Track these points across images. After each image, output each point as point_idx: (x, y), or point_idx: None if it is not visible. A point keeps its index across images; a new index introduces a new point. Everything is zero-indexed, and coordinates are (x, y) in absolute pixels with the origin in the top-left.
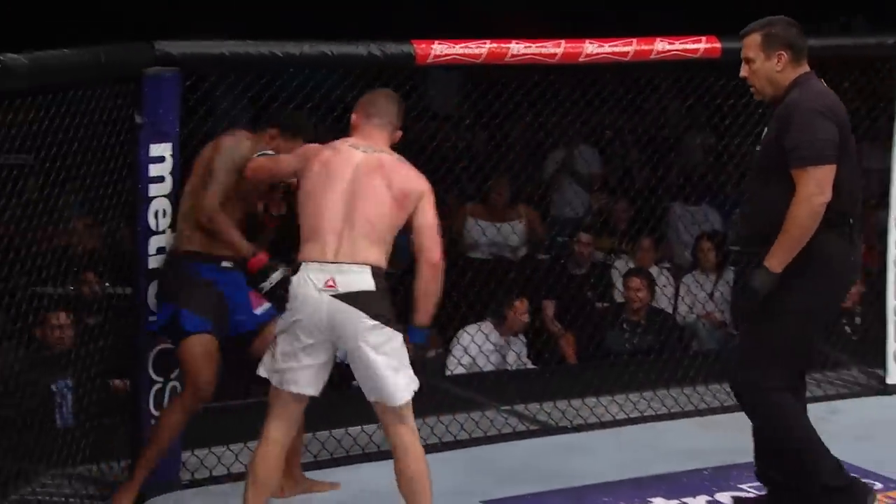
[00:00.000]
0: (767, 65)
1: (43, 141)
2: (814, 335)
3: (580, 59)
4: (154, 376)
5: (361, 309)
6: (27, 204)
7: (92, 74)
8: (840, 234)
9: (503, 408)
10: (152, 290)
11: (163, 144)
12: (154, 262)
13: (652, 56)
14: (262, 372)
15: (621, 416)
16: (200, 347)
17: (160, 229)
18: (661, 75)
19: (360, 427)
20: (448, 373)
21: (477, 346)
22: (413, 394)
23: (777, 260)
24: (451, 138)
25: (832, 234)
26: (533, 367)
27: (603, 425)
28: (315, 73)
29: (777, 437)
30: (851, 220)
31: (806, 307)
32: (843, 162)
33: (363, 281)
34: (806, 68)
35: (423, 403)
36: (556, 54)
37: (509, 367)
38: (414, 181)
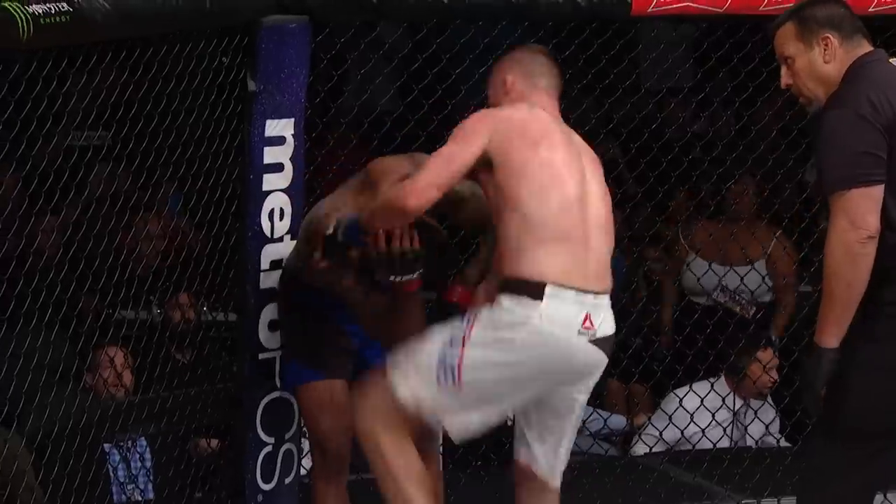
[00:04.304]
0: (810, 56)
1: (124, 114)
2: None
3: (870, 9)
4: (263, 436)
5: (607, 356)
6: (103, 198)
7: (192, 24)
8: None
9: (745, 501)
10: (266, 316)
11: (283, 120)
12: (268, 280)
13: None
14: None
15: None
16: (311, 396)
17: (276, 235)
18: None
19: None
20: (646, 448)
21: (707, 411)
22: None
23: (827, 331)
24: (678, 118)
25: None
26: (787, 444)
27: None
28: (491, 26)
29: None
30: None
31: (877, 364)
32: None
33: (611, 319)
34: (864, 49)
35: (632, 491)
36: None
37: (754, 444)
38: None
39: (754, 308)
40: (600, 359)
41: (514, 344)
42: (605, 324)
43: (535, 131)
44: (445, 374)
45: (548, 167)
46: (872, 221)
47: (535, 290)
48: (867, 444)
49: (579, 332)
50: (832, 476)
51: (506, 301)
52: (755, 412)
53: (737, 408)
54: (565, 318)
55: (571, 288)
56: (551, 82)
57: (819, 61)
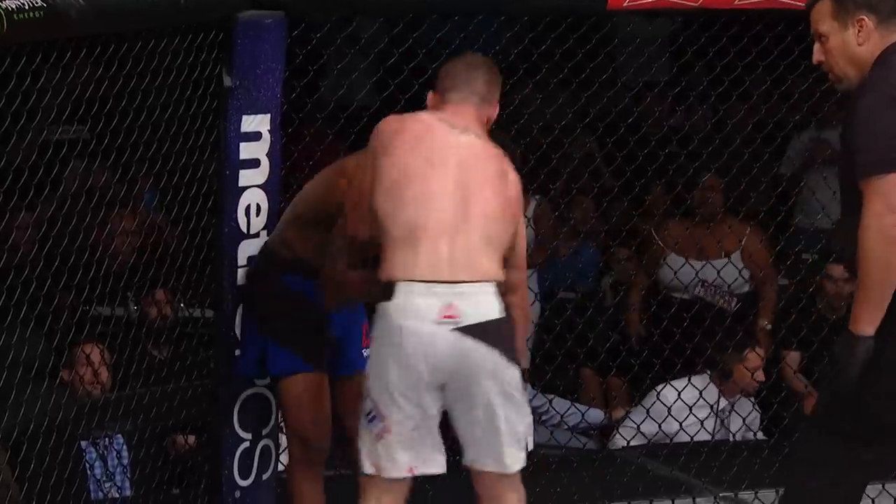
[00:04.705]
0: (844, 36)
1: (99, 110)
2: None
3: None
4: (241, 432)
5: (493, 345)
6: (78, 194)
7: (167, 20)
8: None
9: (723, 494)
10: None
11: (259, 116)
12: (244, 276)
13: None
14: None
15: None
16: (297, 388)
17: (253, 231)
18: None
19: None
20: (623, 442)
21: (684, 406)
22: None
23: (863, 318)
24: (655, 113)
25: None
26: (765, 437)
27: None
28: (467, 20)
29: None
30: None
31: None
32: None
33: (489, 305)
34: None
35: (610, 484)
36: None
37: (731, 439)
38: (519, 189)
39: (735, 301)
40: (478, 346)
41: (380, 354)
42: (475, 310)
43: (412, 132)
44: (371, 418)
45: (406, 166)
46: None
47: (388, 291)
48: (874, 440)
49: (438, 322)
50: (828, 468)
51: (378, 310)
52: (732, 405)
53: (721, 406)
54: (417, 310)
55: (421, 281)
56: (466, 96)
57: (853, 42)
